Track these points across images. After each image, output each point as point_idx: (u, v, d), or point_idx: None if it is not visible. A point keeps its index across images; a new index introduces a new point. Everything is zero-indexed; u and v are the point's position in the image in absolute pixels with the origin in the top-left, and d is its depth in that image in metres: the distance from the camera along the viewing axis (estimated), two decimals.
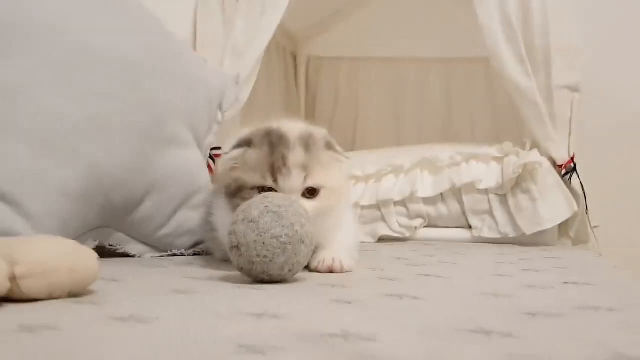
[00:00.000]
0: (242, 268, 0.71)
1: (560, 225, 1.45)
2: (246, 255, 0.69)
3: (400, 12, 2.22)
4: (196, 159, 1.15)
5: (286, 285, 0.70)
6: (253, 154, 0.81)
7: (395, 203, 1.49)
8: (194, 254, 1.09)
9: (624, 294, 0.72)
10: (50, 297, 0.57)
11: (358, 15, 2.30)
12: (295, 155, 0.80)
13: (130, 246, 1.03)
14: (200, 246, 1.10)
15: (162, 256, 1.06)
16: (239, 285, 0.69)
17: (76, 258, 0.59)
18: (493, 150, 1.50)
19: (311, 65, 2.42)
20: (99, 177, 0.90)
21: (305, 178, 0.80)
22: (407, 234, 1.48)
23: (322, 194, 0.82)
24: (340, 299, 0.60)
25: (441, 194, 1.49)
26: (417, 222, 1.49)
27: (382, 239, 1.48)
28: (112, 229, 1.00)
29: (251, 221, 0.70)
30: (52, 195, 0.84)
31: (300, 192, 0.80)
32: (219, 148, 1.49)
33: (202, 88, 1.22)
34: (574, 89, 1.44)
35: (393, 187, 1.50)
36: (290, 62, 2.33)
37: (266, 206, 0.71)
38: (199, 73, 1.23)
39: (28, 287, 0.55)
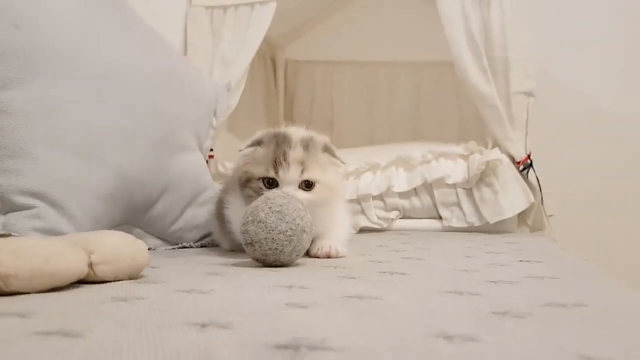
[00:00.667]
0: (257, 259, 0.87)
1: (519, 214, 1.62)
2: (259, 250, 0.85)
3: (372, 18, 2.37)
4: (201, 162, 1.29)
5: (297, 268, 0.85)
6: (261, 151, 0.98)
7: (374, 197, 1.65)
8: (201, 246, 1.24)
9: (565, 268, 0.90)
10: (115, 280, 0.71)
11: (333, 22, 2.44)
12: (295, 153, 0.95)
13: (146, 240, 1.16)
14: (207, 239, 1.25)
15: (174, 248, 1.20)
16: (256, 268, 0.85)
17: (135, 248, 0.74)
18: (460, 149, 1.67)
19: (289, 69, 2.56)
20: (125, 180, 1.04)
21: (302, 172, 0.95)
22: (385, 225, 1.64)
23: (317, 188, 0.97)
24: (344, 275, 0.76)
25: (414, 188, 1.64)
26: (394, 214, 1.65)
27: (362, 230, 1.63)
28: (132, 225, 1.14)
29: (260, 222, 0.85)
30: (88, 198, 0.97)
31: (297, 184, 0.96)
32: (211, 150, 1.64)
33: (202, 98, 1.36)
34: (529, 94, 1.62)
35: (371, 183, 1.66)
36: (269, 66, 2.47)
37: (270, 207, 0.86)
38: (199, 85, 1.37)
39: (101, 271, 0.69)
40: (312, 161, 0.97)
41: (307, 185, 0.97)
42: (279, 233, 0.84)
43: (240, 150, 1.00)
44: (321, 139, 1.01)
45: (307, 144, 0.97)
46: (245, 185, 0.98)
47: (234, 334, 0.43)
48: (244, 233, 0.86)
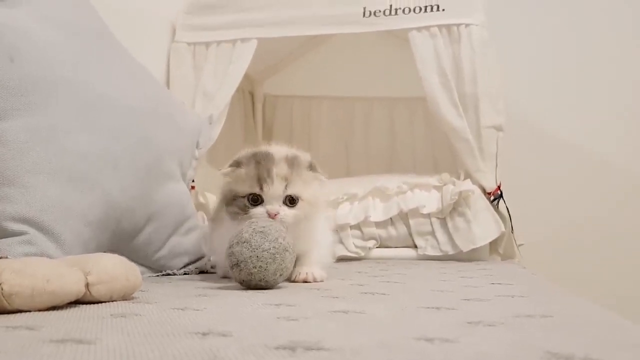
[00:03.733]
0: (243, 280, 0.90)
1: (490, 243, 1.68)
2: (245, 269, 0.88)
3: (348, 55, 2.45)
4: (185, 192, 1.33)
5: (281, 290, 0.89)
6: (243, 170, 1.01)
7: (351, 227, 1.70)
8: (184, 274, 1.27)
9: (533, 288, 0.96)
10: (110, 300, 0.74)
11: (310, 58, 2.52)
12: (279, 169, 0.99)
13: None
14: (190, 266, 1.28)
15: (157, 275, 1.22)
16: (243, 291, 0.88)
17: (128, 270, 0.77)
18: (433, 180, 1.73)
19: (267, 103, 2.62)
20: (112, 207, 1.07)
21: (285, 187, 0.99)
22: (362, 254, 1.69)
23: (299, 204, 1.01)
24: (328, 295, 0.80)
25: (390, 218, 1.70)
26: (371, 243, 1.70)
27: (340, 259, 1.67)
28: (117, 252, 1.16)
29: (245, 242, 0.89)
30: (76, 223, 1.00)
31: (281, 200, 0.99)
32: (192, 180, 1.67)
33: (186, 130, 1.40)
34: (498, 128, 1.70)
35: (349, 213, 1.71)
36: (248, 100, 2.53)
37: (254, 229, 0.90)
38: (183, 116, 1.42)
39: (97, 291, 0.72)
40: (296, 177, 1.00)
41: (291, 201, 1.00)
42: (263, 251, 0.87)
43: (219, 170, 1.04)
44: (305, 156, 1.06)
45: (291, 161, 1.01)
46: (231, 203, 1.01)
47: (235, 340, 0.47)
48: (230, 255, 0.90)
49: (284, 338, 0.47)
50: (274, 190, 0.98)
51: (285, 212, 0.98)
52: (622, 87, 2.36)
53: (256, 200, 0.99)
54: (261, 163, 0.99)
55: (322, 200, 1.10)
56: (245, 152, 1.05)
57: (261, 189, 0.98)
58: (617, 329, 0.55)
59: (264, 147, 1.05)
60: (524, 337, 0.48)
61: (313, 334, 0.50)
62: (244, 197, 1.00)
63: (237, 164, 1.02)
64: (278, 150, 1.04)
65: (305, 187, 1.02)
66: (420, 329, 0.52)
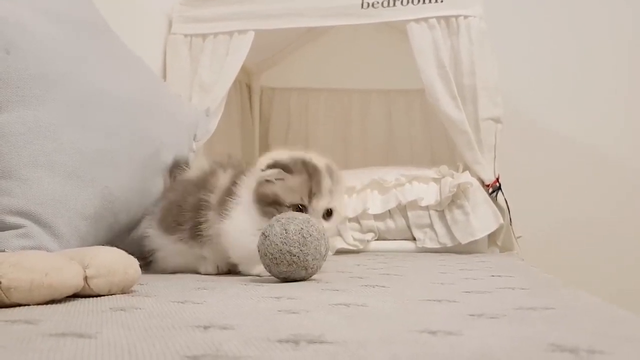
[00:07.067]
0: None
1: (489, 235, 1.68)
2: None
3: (345, 47, 2.44)
4: None
5: (281, 283, 0.89)
6: (292, 179, 0.97)
7: (350, 219, 1.69)
8: None
9: (533, 280, 0.96)
10: (109, 293, 0.74)
11: (307, 50, 2.50)
12: (326, 182, 0.98)
13: None
14: None
15: None
16: (242, 284, 0.88)
17: (127, 263, 0.77)
18: (432, 172, 1.73)
19: (264, 95, 2.61)
20: (110, 200, 1.06)
21: (329, 201, 0.99)
22: (361, 247, 1.68)
23: (334, 216, 1.01)
24: (328, 288, 0.80)
25: (389, 210, 1.69)
26: (369, 235, 1.70)
27: (339, 252, 1.67)
28: (115, 246, 1.15)
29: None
30: (74, 217, 0.99)
31: (322, 213, 0.98)
32: None
33: (183, 122, 1.40)
34: (496, 120, 1.69)
35: (347, 206, 1.71)
36: (245, 92, 2.52)
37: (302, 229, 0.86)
38: (180, 109, 1.41)
39: (96, 285, 0.72)
40: (336, 190, 1.00)
41: (328, 213, 1.00)
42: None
43: (263, 170, 0.99)
44: (335, 166, 1.04)
45: (331, 173, 1.00)
46: (270, 205, 0.97)
47: (237, 333, 0.46)
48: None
49: (286, 331, 0.47)
50: (322, 205, 0.97)
51: (325, 225, 0.96)
52: (621, 80, 2.36)
53: (299, 210, 0.96)
54: (313, 175, 0.97)
55: (344, 210, 1.08)
56: (288, 157, 1.00)
57: (310, 202, 0.97)
58: (620, 321, 0.55)
59: (301, 154, 1.01)
60: (527, 329, 0.48)
61: (315, 327, 0.49)
62: (289, 206, 0.97)
63: (287, 170, 0.98)
64: (317, 159, 1.02)
65: (339, 199, 1.01)
66: (423, 321, 0.52)
